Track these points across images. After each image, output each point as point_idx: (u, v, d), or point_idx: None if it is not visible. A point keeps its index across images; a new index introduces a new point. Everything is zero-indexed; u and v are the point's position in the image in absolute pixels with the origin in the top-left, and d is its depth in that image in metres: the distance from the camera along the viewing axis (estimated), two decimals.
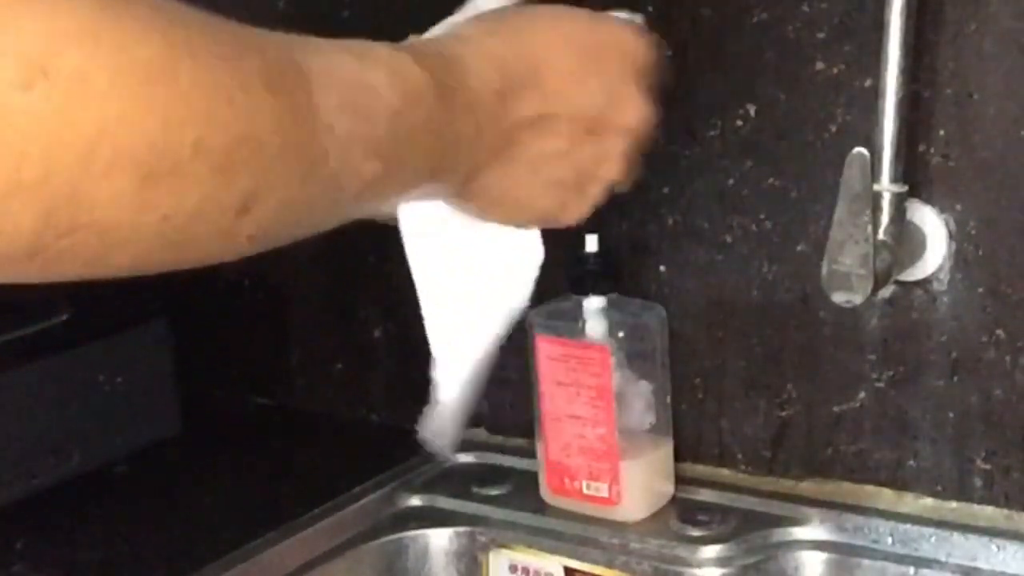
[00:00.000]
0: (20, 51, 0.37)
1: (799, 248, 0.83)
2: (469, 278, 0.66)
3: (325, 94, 0.48)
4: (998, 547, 0.78)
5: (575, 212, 0.65)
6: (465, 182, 0.59)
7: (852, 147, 0.72)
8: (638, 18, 0.69)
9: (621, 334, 0.84)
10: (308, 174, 0.48)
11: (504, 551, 0.86)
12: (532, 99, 0.59)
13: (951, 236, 0.79)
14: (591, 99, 0.62)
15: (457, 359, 0.68)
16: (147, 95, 0.40)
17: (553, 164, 0.61)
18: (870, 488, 0.84)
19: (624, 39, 0.63)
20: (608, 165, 0.64)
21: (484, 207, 0.63)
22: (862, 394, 0.83)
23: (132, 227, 0.42)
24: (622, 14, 0.68)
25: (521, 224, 0.65)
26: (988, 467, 0.80)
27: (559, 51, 0.61)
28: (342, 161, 0.49)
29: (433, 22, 0.71)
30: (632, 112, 0.63)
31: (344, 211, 0.53)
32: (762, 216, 0.84)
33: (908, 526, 0.81)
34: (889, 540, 0.81)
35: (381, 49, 0.53)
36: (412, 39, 0.60)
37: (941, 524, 0.80)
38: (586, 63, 0.61)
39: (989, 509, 0.81)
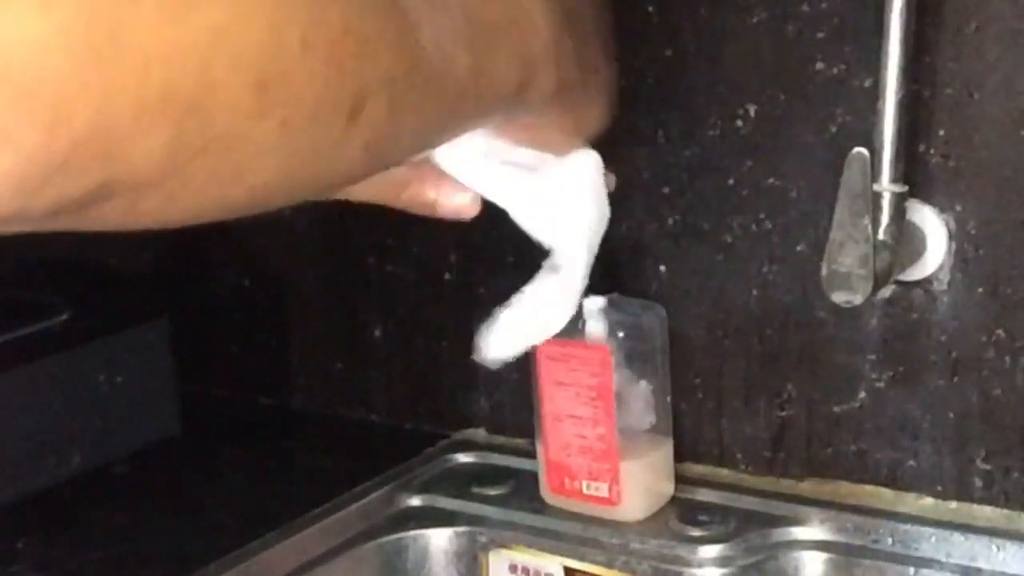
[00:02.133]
0: None
1: (799, 248, 0.83)
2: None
3: None
4: (998, 547, 0.78)
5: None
6: (554, 94, 0.58)
7: (852, 147, 0.72)
8: None
9: (621, 334, 0.84)
10: (411, 69, 0.47)
11: (504, 551, 0.86)
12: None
13: (951, 236, 0.79)
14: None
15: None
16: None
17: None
18: (870, 488, 0.84)
19: None
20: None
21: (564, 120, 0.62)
22: (862, 394, 0.83)
23: (254, 139, 0.41)
24: None
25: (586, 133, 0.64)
26: (988, 467, 0.80)
27: None
28: (438, 54, 0.48)
29: None
30: None
31: (449, 119, 0.53)
32: (762, 216, 0.84)
33: (908, 526, 0.81)
34: (889, 540, 0.81)
35: None
36: None
37: (941, 524, 0.80)
38: None
39: (989, 509, 0.81)
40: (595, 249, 0.67)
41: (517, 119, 0.59)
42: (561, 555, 0.85)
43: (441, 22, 0.49)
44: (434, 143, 0.54)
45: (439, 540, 0.88)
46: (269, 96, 0.41)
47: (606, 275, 0.84)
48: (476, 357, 0.64)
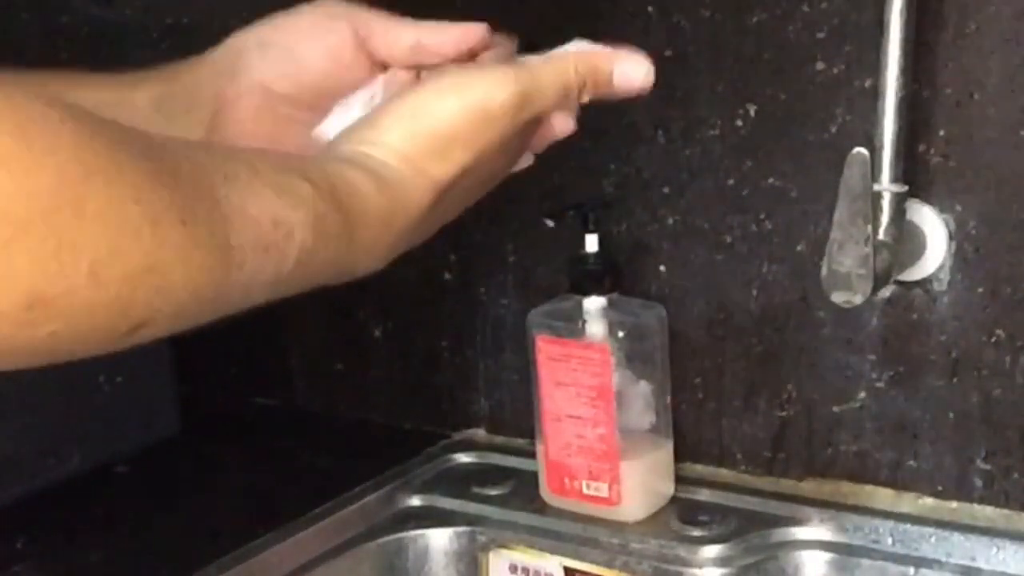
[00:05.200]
0: None
1: (799, 248, 0.83)
2: None
3: (241, 233, 0.47)
4: (998, 547, 0.78)
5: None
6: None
7: (852, 147, 0.72)
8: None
9: (621, 334, 0.84)
10: (207, 305, 0.47)
11: (504, 551, 0.86)
12: (437, 208, 0.61)
13: (951, 236, 0.79)
14: (479, 185, 0.63)
15: None
16: (48, 221, 0.40)
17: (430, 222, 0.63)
18: (870, 488, 0.84)
19: (500, 130, 0.62)
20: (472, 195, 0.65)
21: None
22: (862, 394, 0.83)
23: (13, 341, 0.41)
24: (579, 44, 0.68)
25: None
26: (988, 467, 0.80)
27: (467, 166, 0.61)
28: (243, 295, 0.49)
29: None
30: (501, 170, 0.65)
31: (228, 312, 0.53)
32: (762, 216, 0.84)
33: (908, 526, 0.81)
34: (889, 540, 0.81)
35: (304, 186, 0.53)
36: (350, 144, 0.60)
37: (941, 524, 0.80)
38: (483, 156, 0.61)
39: (989, 509, 0.81)
40: None
41: None
42: (561, 555, 0.85)
43: (268, 270, 0.49)
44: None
45: (439, 540, 0.88)
46: (39, 313, 0.41)
47: (606, 275, 0.84)
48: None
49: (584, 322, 0.84)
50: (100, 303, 0.42)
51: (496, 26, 0.72)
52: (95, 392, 0.97)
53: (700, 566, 0.81)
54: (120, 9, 1.09)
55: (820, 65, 0.80)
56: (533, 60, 0.64)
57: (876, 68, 0.74)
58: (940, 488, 0.82)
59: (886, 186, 0.74)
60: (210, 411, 1.07)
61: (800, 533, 0.83)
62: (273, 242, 0.50)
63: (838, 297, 0.73)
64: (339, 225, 0.54)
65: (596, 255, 0.84)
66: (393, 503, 0.91)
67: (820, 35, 0.80)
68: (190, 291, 0.46)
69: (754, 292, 0.86)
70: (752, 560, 0.81)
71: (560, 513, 0.87)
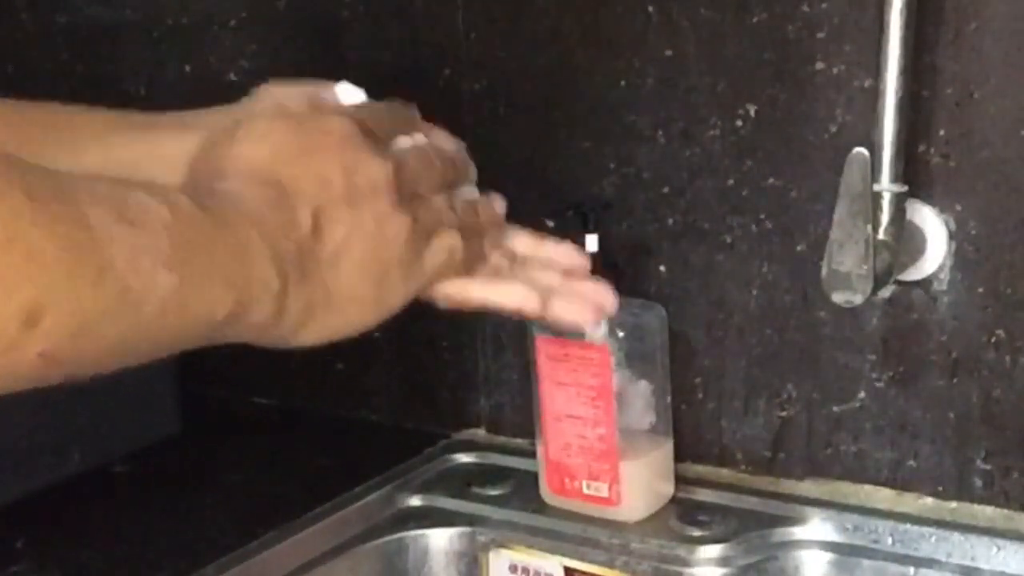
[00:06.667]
0: None
1: (799, 248, 0.83)
2: None
3: (96, 206, 0.47)
4: (998, 547, 0.78)
5: (402, 292, 0.63)
6: (296, 287, 0.57)
7: (852, 147, 0.72)
8: (359, 95, 0.68)
9: (621, 334, 0.84)
10: (97, 283, 0.47)
11: (504, 551, 0.86)
12: (297, 202, 0.58)
13: (951, 236, 0.79)
14: (337, 176, 0.60)
15: None
16: None
17: (357, 247, 0.60)
18: (870, 488, 0.84)
19: (329, 126, 0.62)
20: (396, 226, 0.62)
21: (332, 311, 0.62)
22: (862, 394, 0.83)
23: None
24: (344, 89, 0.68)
25: (368, 321, 0.64)
26: (988, 467, 0.80)
27: (287, 160, 0.60)
28: (132, 271, 0.48)
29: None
30: (373, 170, 0.61)
31: (150, 337, 0.52)
32: (762, 216, 0.84)
33: (908, 526, 0.81)
34: (889, 540, 0.81)
35: (130, 181, 0.52)
36: None
37: (941, 524, 0.80)
38: (311, 154, 0.60)
39: (989, 509, 0.81)
40: None
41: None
42: (561, 555, 0.85)
43: (139, 241, 0.48)
44: (136, 357, 0.53)
45: (439, 540, 0.88)
46: None
47: (606, 275, 0.84)
48: None
49: None
50: None
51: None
52: (95, 392, 0.97)
53: (700, 566, 0.81)
54: (120, 9, 1.09)
55: (820, 65, 0.80)
56: None
57: (876, 68, 0.74)
58: (940, 488, 0.82)
59: (886, 186, 0.74)
60: (210, 411, 1.07)
61: (800, 533, 0.83)
62: (133, 215, 0.49)
63: (838, 297, 0.73)
64: (189, 203, 0.52)
65: (596, 255, 0.84)
66: (393, 503, 0.91)
67: (820, 35, 0.80)
68: (68, 264, 0.45)
69: (754, 292, 0.86)
70: (752, 560, 0.81)
71: (560, 513, 0.87)
